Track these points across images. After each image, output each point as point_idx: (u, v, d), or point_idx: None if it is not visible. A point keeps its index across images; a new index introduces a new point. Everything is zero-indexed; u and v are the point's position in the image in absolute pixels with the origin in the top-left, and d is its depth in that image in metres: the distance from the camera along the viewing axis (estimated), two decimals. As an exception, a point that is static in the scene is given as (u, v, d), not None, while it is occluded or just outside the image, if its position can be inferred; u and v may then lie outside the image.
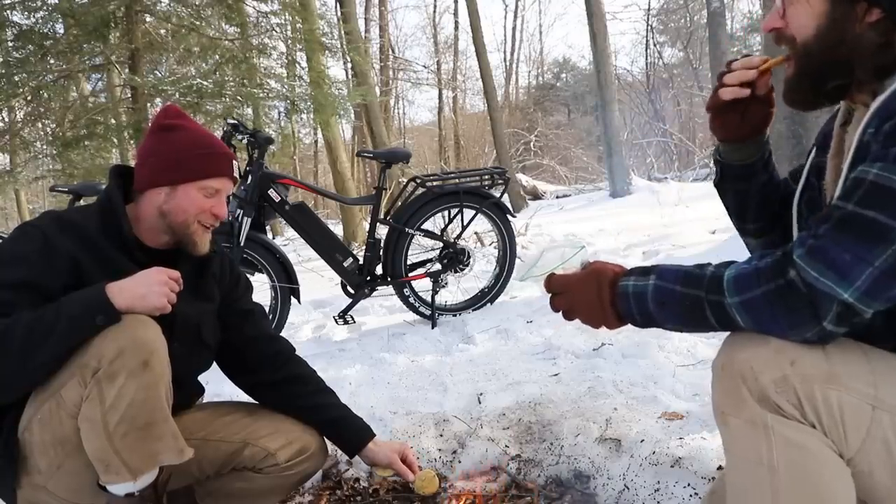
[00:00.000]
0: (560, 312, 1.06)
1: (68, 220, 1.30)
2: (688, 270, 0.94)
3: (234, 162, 1.44)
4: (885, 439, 0.85)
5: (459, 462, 1.85)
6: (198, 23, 6.26)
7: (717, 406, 0.93)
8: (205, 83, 6.05)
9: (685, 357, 2.47)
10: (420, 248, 3.68)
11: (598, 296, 0.99)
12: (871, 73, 0.91)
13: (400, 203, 3.47)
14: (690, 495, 1.54)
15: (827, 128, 1.10)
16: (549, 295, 1.07)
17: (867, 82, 0.92)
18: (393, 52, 22.47)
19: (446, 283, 3.52)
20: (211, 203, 1.39)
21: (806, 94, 0.99)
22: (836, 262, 0.80)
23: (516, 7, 26.55)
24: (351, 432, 1.56)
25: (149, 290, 1.20)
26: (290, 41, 7.44)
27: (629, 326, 1.03)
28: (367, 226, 3.50)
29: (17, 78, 5.79)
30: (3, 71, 5.75)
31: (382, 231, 3.43)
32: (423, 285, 3.47)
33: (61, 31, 6.11)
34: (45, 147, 6.69)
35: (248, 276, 3.07)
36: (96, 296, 1.17)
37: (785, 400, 0.85)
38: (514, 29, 26.98)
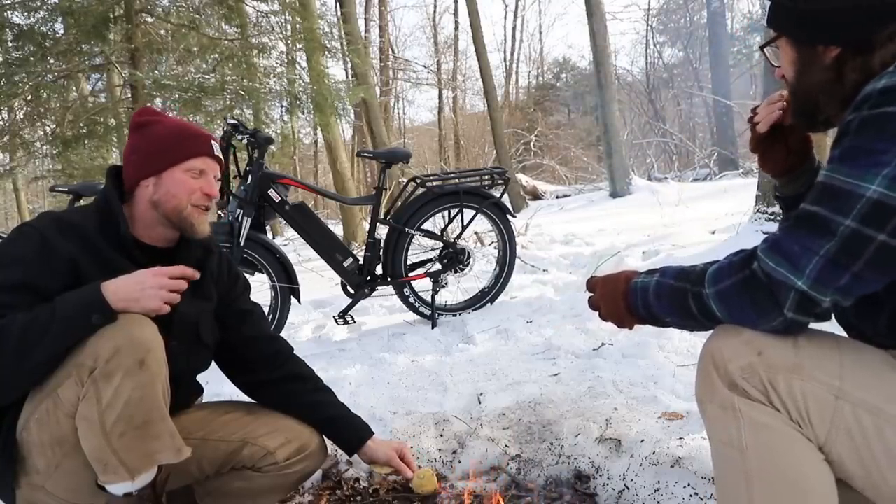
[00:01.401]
0: (597, 312, 1.16)
1: (67, 220, 1.30)
2: (685, 267, 1.03)
3: (214, 142, 1.44)
4: (849, 429, 0.89)
5: (459, 462, 1.85)
6: (198, 18, 6.25)
7: (696, 393, 1.01)
8: (206, 76, 6.05)
9: (685, 357, 2.47)
10: (420, 248, 3.68)
11: (614, 291, 1.10)
12: (838, 107, 1.00)
13: (400, 203, 3.47)
14: (690, 495, 1.53)
15: None
16: (589, 295, 1.18)
17: (840, 113, 1.00)
18: (393, 52, 22.48)
19: (446, 283, 3.52)
20: (200, 183, 1.40)
21: (807, 126, 1.12)
22: (788, 252, 0.88)
23: (516, 7, 26.52)
24: (350, 431, 1.56)
25: (142, 293, 1.19)
26: (289, 41, 7.44)
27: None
28: (367, 226, 3.50)
29: (16, 78, 5.78)
30: (3, 71, 5.74)
31: (382, 231, 3.42)
32: (423, 285, 3.47)
33: (61, 31, 6.10)
34: (44, 147, 6.68)
35: (248, 276, 3.09)
36: (92, 295, 1.17)
37: (751, 386, 0.92)
38: (514, 29, 26.98)
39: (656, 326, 1.09)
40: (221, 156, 1.46)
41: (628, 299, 1.08)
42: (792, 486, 0.90)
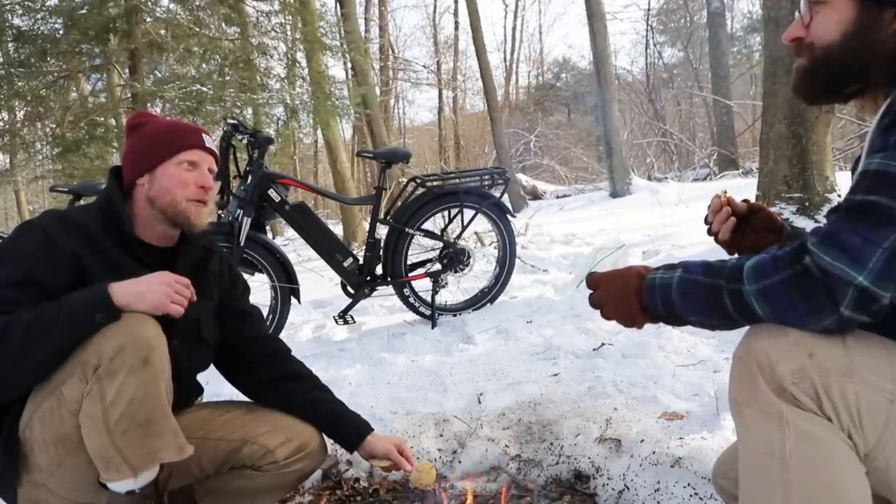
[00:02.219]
0: (599, 311, 1.08)
1: (70, 218, 1.31)
2: (712, 262, 0.95)
3: (206, 136, 1.44)
4: None
5: (459, 462, 1.86)
6: (197, 29, 6.26)
7: (732, 396, 0.93)
8: (205, 89, 6.06)
9: (685, 357, 2.47)
10: (420, 248, 3.68)
11: (625, 288, 1.02)
12: (886, 78, 0.93)
13: (400, 203, 3.47)
14: (690, 495, 1.54)
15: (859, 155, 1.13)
16: (590, 292, 1.10)
17: (882, 87, 0.94)
18: (393, 51, 22.47)
19: (446, 283, 3.52)
20: (193, 176, 1.39)
21: (817, 91, 1.02)
22: (847, 245, 0.81)
23: (516, 7, 26.61)
24: (350, 427, 1.56)
25: (149, 288, 1.20)
26: (290, 41, 7.44)
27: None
28: (367, 226, 3.50)
29: (17, 79, 5.79)
30: (3, 72, 5.75)
31: (382, 231, 3.43)
32: (423, 285, 3.47)
33: (61, 31, 6.11)
34: (45, 148, 6.69)
35: (248, 276, 3.09)
36: (97, 294, 1.17)
37: (801, 391, 0.85)
38: (514, 29, 27.03)
39: (673, 325, 1.03)
40: (215, 149, 1.46)
41: (643, 297, 1.00)
42: (835, 501, 0.86)
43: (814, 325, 0.85)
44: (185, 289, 1.25)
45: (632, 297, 1.02)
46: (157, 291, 1.20)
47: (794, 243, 0.88)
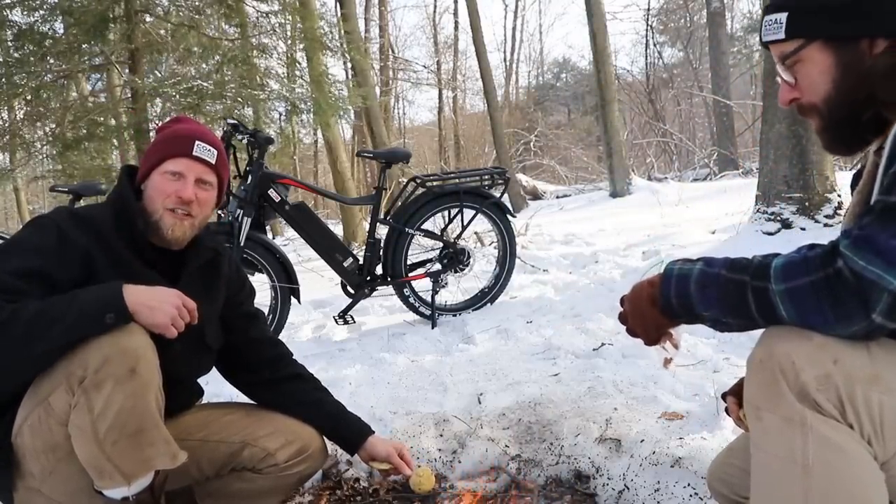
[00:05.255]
0: (626, 330, 1.08)
1: (84, 215, 1.31)
2: (735, 258, 0.93)
3: (203, 144, 1.38)
4: None
5: (459, 462, 1.85)
6: (198, 18, 6.25)
7: (751, 400, 0.91)
8: (206, 84, 6.05)
9: (685, 357, 2.47)
10: (420, 248, 3.68)
11: (640, 290, 1.02)
12: (893, 92, 0.92)
13: (400, 203, 3.48)
14: (690, 495, 1.53)
15: (859, 169, 1.11)
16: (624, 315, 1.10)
17: (893, 102, 0.93)
18: (393, 51, 22.45)
19: (446, 283, 3.52)
20: (175, 187, 1.35)
21: (848, 140, 1.01)
22: (884, 249, 0.79)
23: (516, 7, 26.59)
24: (351, 430, 1.57)
25: (160, 306, 1.19)
26: (290, 41, 7.43)
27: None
28: (367, 226, 3.50)
29: (16, 78, 5.78)
30: (3, 71, 5.74)
31: (382, 231, 3.43)
32: (423, 285, 3.47)
33: (61, 30, 6.10)
34: (44, 147, 6.68)
35: (248, 276, 3.08)
36: (111, 295, 1.16)
37: (825, 398, 0.83)
38: (514, 29, 27.02)
39: (684, 322, 1.00)
40: (211, 159, 1.39)
41: (661, 289, 0.98)
42: None
43: (841, 330, 0.83)
44: (188, 313, 1.24)
45: (646, 305, 1.01)
46: (165, 312, 1.19)
47: (827, 244, 0.85)
